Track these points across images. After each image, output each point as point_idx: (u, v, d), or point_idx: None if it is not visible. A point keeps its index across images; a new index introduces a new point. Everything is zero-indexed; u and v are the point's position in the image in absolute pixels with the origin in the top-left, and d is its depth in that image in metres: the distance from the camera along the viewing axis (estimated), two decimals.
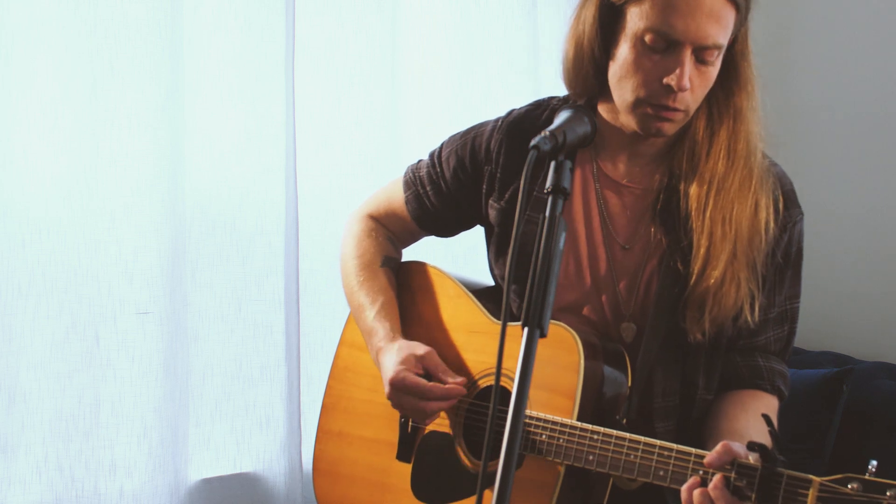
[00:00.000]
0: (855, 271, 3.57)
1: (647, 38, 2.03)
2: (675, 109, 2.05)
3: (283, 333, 3.03)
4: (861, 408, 3.15)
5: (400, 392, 2.18)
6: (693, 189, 2.10)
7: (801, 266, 2.21)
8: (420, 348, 2.22)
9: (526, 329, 1.66)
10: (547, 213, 1.71)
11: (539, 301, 1.66)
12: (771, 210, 2.11)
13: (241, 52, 2.93)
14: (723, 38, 2.02)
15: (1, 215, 2.64)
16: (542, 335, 1.66)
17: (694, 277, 2.07)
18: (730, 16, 2.02)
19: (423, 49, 3.29)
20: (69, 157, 2.71)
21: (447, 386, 2.18)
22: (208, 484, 2.98)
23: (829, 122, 3.62)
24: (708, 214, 2.08)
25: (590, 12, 2.11)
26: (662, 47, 2.02)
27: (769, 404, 2.17)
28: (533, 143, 1.78)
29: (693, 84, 2.03)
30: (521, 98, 2.36)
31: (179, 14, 2.82)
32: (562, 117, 1.95)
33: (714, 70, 2.06)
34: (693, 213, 2.10)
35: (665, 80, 2.02)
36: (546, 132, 1.82)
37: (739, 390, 2.17)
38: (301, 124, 3.05)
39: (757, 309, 2.10)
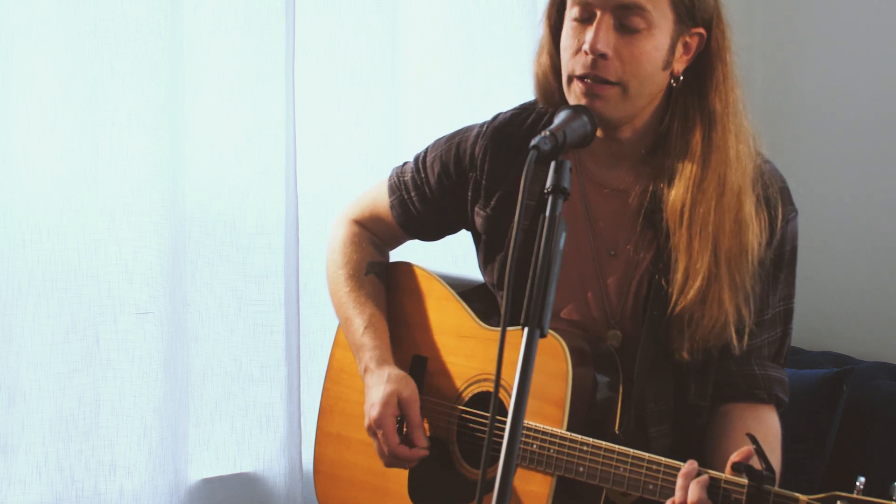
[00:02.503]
0: (855, 271, 3.56)
1: (574, 11, 2.03)
2: (601, 80, 2.01)
3: (283, 333, 3.02)
4: (861, 408, 3.15)
5: (374, 430, 2.22)
6: (671, 201, 2.07)
7: (796, 265, 2.17)
8: (406, 389, 2.22)
9: (526, 329, 1.65)
10: (547, 213, 1.70)
11: (539, 301, 1.66)
12: (763, 220, 2.07)
13: (241, 53, 2.93)
14: (643, 0, 1.99)
15: (1, 215, 2.64)
16: (542, 335, 1.66)
17: (675, 295, 2.04)
18: None
19: (423, 49, 3.28)
20: (69, 157, 2.71)
21: (411, 451, 2.20)
22: (208, 484, 2.98)
23: (831, 121, 3.62)
24: (684, 228, 2.04)
25: (543, 24, 2.14)
26: (586, 17, 2.02)
27: (769, 417, 2.14)
28: (533, 142, 1.77)
29: (621, 53, 2.00)
30: (521, 98, 2.35)
31: (179, 14, 2.82)
32: (561, 116, 1.95)
33: (645, 42, 2.01)
34: (671, 227, 2.07)
35: (583, 47, 2.01)
36: (546, 132, 1.81)
37: (738, 405, 2.12)
38: (301, 124, 3.04)
39: (746, 336, 2.06)
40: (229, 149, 2.94)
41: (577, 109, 1.96)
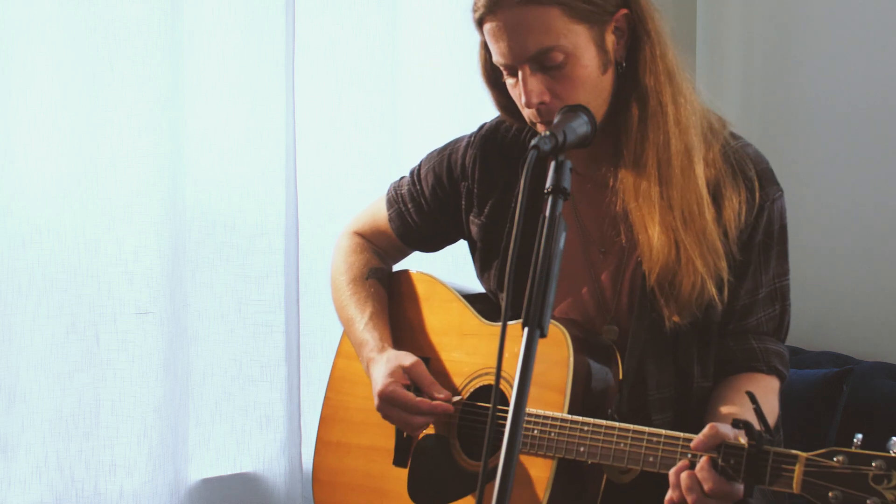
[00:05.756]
0: (855, 271, 3.57)
1: (503, 71, 2.09)
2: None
3: (283, 333, 3.03)
4: (861, 408, 3.15)
5: (388, 404, 2.20)
6: (620, 180, 2.09)
7: (786, 243, 2.18)
8: (407, 359, 2.23)
9: (526, 329, 1.65)
10: (547, 213, 1.71)
11: (539, 301, 1.66)
12: (743, 198, 2.07)
13: (241, 53, 2.93)
14: (548, 41, 1.99)
15: (1, 215, 2.65)
16: (542, 335, 1.66)
17: (646, 269, 2.06)
18: (544, 16, 1.99)
19: (423, 49, 3.29)
20: (69, 157, 2.71)
21: (433, 402, 2.18)
22: (208, 484, 2.98)
23: (831, 121, 3.62)
24: (638, 202, 2.06)
25: (482, 78, 2.20)
26: (513, 73, 2.06)
27: (767, 385, 2.14)
28: (533, 142, 1.78)
29: (556, 91, 2.01)
30: None
31: (179, 14, 2.83)
32: (559, 116, 1.95)
33: (572, 69, 2.01)
34: (628, 205, 2.08)
35: (522, 102, 2.05)
36: (546, 131, 1.82)
37: (736, 374, 2.14)
38: (301, 124, 3.05)
39: (726, 290, 2.07)
40: (229, 149, 2.94)
41: (575, 109, 1.96)
